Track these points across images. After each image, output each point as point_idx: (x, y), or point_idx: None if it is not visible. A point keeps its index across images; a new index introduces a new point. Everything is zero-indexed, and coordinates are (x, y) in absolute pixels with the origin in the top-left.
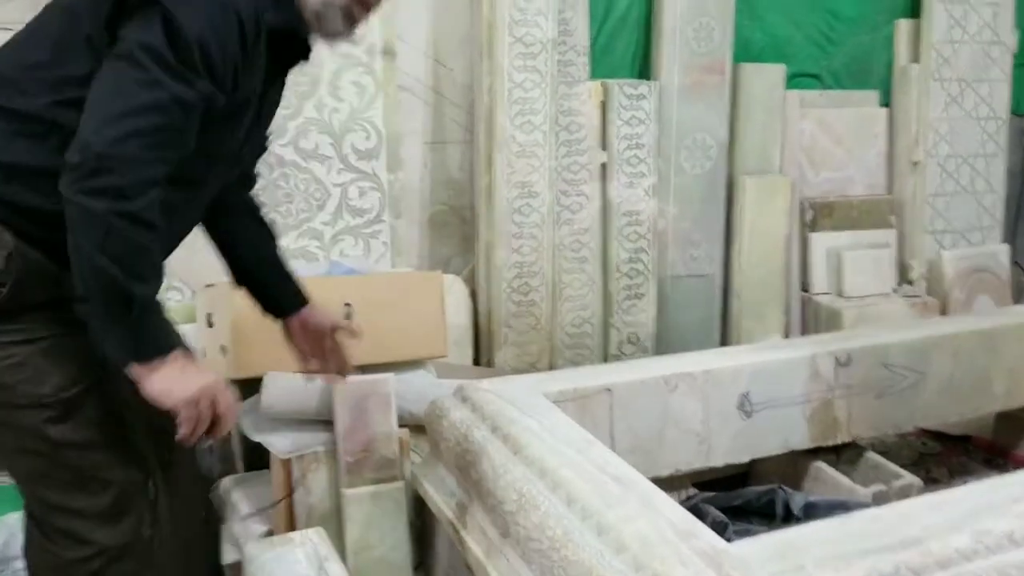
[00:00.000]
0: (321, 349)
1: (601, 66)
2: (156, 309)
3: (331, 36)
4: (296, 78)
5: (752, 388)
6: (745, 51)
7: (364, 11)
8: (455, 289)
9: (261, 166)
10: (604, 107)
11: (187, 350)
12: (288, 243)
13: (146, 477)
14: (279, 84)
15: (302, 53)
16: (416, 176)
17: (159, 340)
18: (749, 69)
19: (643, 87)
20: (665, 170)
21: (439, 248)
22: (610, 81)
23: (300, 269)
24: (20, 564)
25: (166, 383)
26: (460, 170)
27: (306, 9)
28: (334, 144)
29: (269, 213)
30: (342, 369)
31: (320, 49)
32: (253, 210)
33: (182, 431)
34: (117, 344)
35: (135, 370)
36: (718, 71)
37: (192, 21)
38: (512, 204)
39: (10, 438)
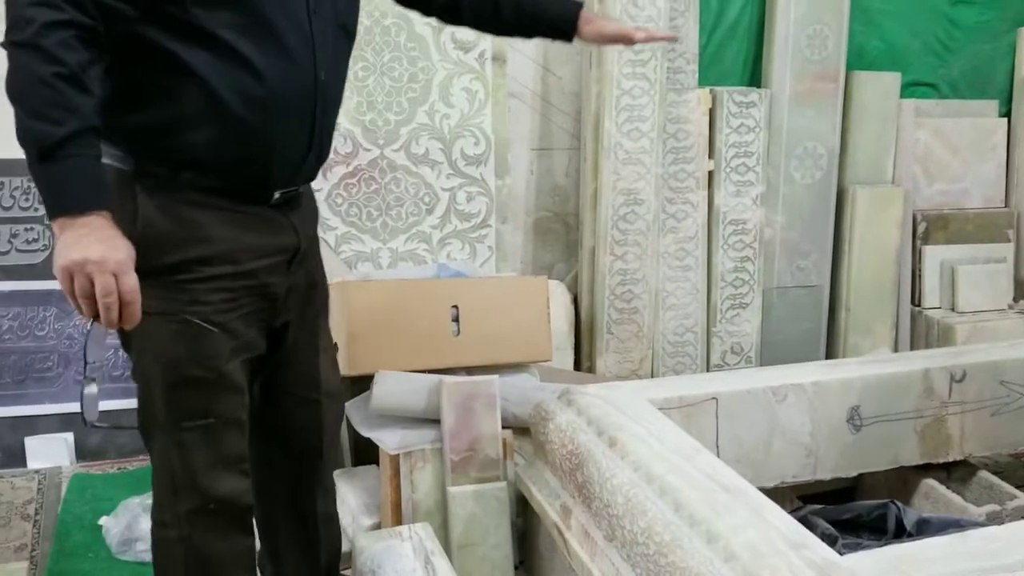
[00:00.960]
0: (623, 31)
1: (710, 73)
2: (69, 159)
3: None
4: (408, 84)
5: (862, 401)
6: (859, 59)
7: None
8: (558, 295)
9: (375, 171)
10: (712, 115)
11: (108, 218)
12: (397, 246)
13: None
14: None
15: None
16: (522, 182)
17: (67, 196)
18: (863, 77)
19: (753, 95)
20: (774, 179)
21: (543, 253)
22: (719, 88)
23: (408, 271)
24: (142, 545)
25: (61, 247)
26: (566, 176)
27: None
28: (444, 149)
29: (380, 216)
30: (654, 36)
31: (433, 56)
32: None
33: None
34: (43, 198)
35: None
36: (831, 79)
37: None
38: (617, 211)
39: None
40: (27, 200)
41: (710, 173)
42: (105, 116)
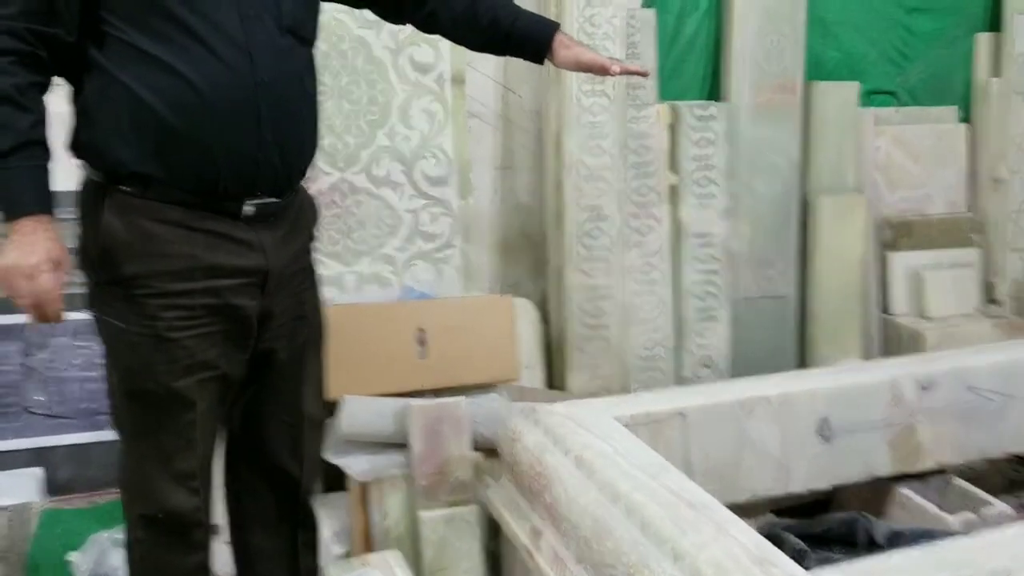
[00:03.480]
0: (598, 63)
1: (670, 88)
2: (7, 171)
3: None
4: (367, 107)
5: (831, 412)
6: (818, 69)
7: None
8: (526, 313)
9: (335, 195)
10: (673, 129)
11: (44, 222)
12: (361, 269)
13: None
14: None
15: None
16: (486, 201)
17: (6, 204)
18: (822, 87)
19: (713, 108)
20: (737, 191)
21: (510, 271)
22: (679, 103)
23: (373, 294)
24: None
25: (4, 251)
26: (530, 194)
27: None
28: (405, 171)
29: (343, 240)
30: (628, 69)
31: (392, 79)
32: None
33: None
34: None
35: None
36: (790, 90)
37: None
38: (582, 227)
39: None
40: None
41: (673, 187)
42: (73, 133)
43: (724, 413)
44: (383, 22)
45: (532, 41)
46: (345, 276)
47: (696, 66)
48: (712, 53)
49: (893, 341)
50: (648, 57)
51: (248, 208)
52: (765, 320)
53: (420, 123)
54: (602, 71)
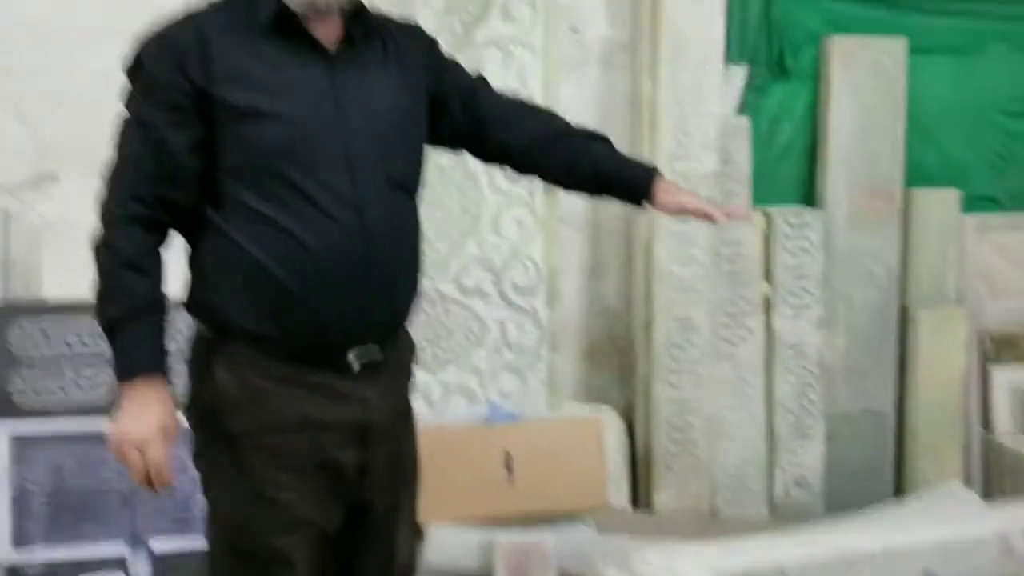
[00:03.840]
0: (702, 209)
1: (764, 194)
2: (124, 335)
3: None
4: (459, 216)
5: (936, 565)
6: (916, 175)
7: None
8: (611, 423)
9: (425, 305)
10: (767, 237)
11: (157, 385)
12: (447, 378)
13: None
14: (347, 61)
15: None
16: (574, 307)
17: (118, 367)
18: (921, 194)
19: (807, 215)
20: (832, 301)
21: (595, 378)
22: (773, 210)
23: (460, 411)
24: None
25: (117, 416)
26: (617, 298)
27: None
28: (494, 280)
29: (430, 348)
30: (734, 214)
31: (484, 188)
32: (555, 135)
33: None
34: None
35: None
36: (888, 197)
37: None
38: (671, 339)
39: None
40: (91, 338)
41: (766, 297)
42: (188, 290)
43: (825, 569)
44: None
45: (632, 188)
46: (431, 386)
47: (791, 172)
48: (807, 159)
49: (995, 461)
50: (742, 164)
51: (353, 361)
52: (861, 436)
53: (510, 232)
54: (705, 218)
